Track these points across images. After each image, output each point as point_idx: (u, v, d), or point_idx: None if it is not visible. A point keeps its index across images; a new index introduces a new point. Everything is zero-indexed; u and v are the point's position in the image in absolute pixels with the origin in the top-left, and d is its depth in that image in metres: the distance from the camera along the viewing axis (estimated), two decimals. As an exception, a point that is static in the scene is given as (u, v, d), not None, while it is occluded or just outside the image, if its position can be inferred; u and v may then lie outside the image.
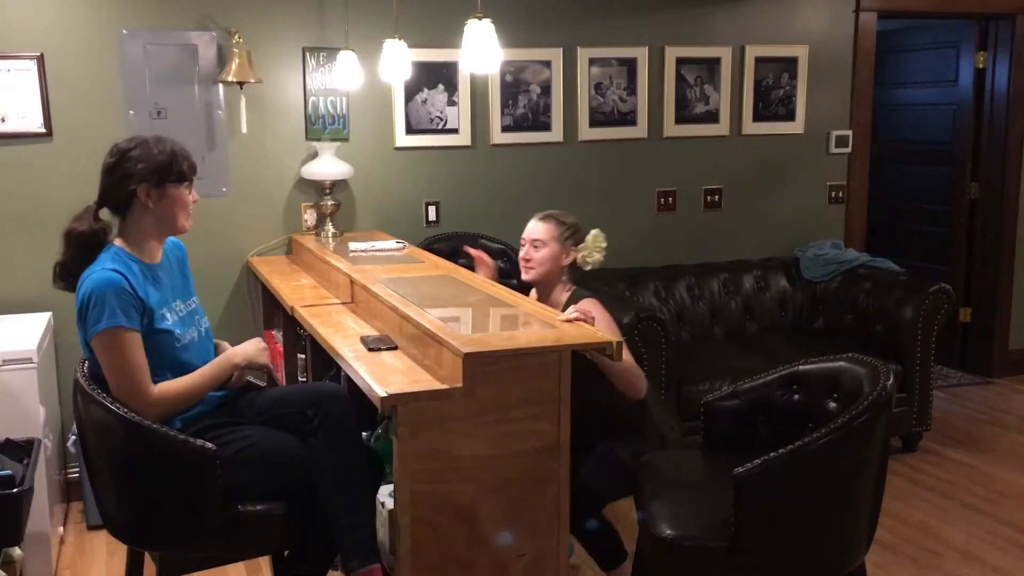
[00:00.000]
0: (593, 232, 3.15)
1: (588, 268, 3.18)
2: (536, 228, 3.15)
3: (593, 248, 3.14)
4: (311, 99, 4.35)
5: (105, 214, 2.55)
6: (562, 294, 3.13)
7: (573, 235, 3.15)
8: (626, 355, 2.72)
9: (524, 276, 3.17)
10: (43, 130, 3.98)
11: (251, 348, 2.66)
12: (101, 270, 2.41)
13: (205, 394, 2.54)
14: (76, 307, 2.44)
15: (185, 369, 2.51)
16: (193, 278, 2.78)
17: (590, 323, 2.61)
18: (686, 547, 2.37)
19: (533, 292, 3.20)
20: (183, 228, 2.58)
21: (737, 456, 2.42)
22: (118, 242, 2.53)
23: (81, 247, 2.48)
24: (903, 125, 6.11)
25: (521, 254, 3.17)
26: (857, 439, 2.35)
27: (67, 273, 2.51)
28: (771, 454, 2.30)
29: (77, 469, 3.97)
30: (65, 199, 4.01)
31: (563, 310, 2.87)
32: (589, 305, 2.89)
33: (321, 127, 4.38)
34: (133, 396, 2.39)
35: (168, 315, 2.52)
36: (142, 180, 2.47)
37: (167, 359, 2.49)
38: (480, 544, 2.42)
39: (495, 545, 2.43)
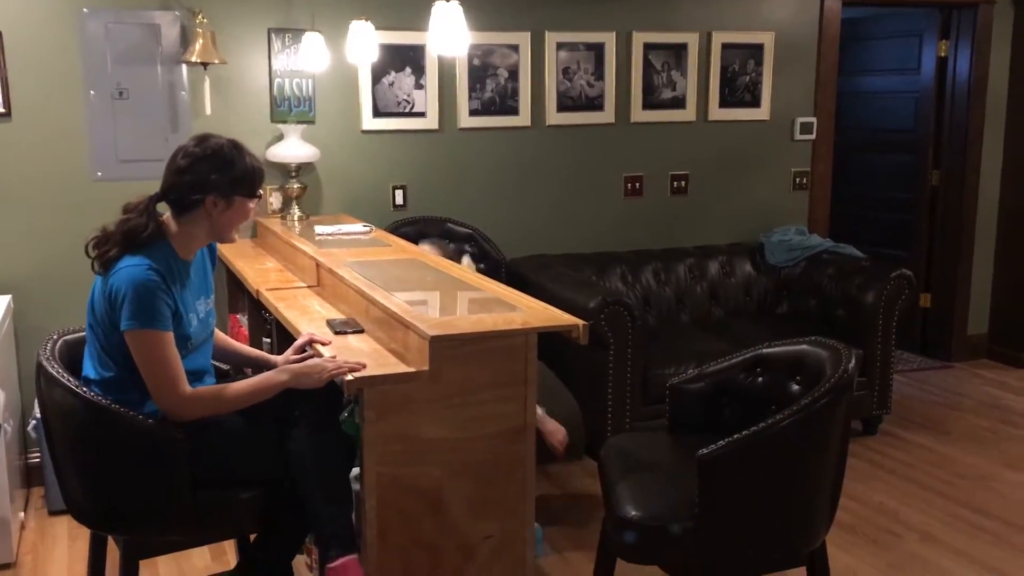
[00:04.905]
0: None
1: None
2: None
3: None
4: (276, 81, 4.31)
5: (160, 204, 2.44)
6: None
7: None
8: None
9: None
10: (2, 109, 3.90)
11: (307, 370, 2.40)
12: (145, 268, 2.30)
13: (244, 406, 2.41)
14: (104, 288, 2.34)
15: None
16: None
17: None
18: (650, 527, 2.40)
19: None
20: (230, 240, 2.51)
21: (702, 438, 2.45)
22: (167, 236, 2.42)
23: (134, 240, 2.35)
24: (867, 113, 6.17)
25: None
26: (819, 421, 2.38)
27: (108, 260, 2.36)
28: (735, 436, 2.33)
29: (38, 454, 3.92)
30: (24, 180, 3.98)
31: None
32: None
33: (287, 109, 4.34)
34: (165, 394, 2.32)
35: (192, 318, 2.45)
36: (214, 190, 2.38)
37: None
38: (447, 527, 2.43)
39: (462, 527, 2.44)
